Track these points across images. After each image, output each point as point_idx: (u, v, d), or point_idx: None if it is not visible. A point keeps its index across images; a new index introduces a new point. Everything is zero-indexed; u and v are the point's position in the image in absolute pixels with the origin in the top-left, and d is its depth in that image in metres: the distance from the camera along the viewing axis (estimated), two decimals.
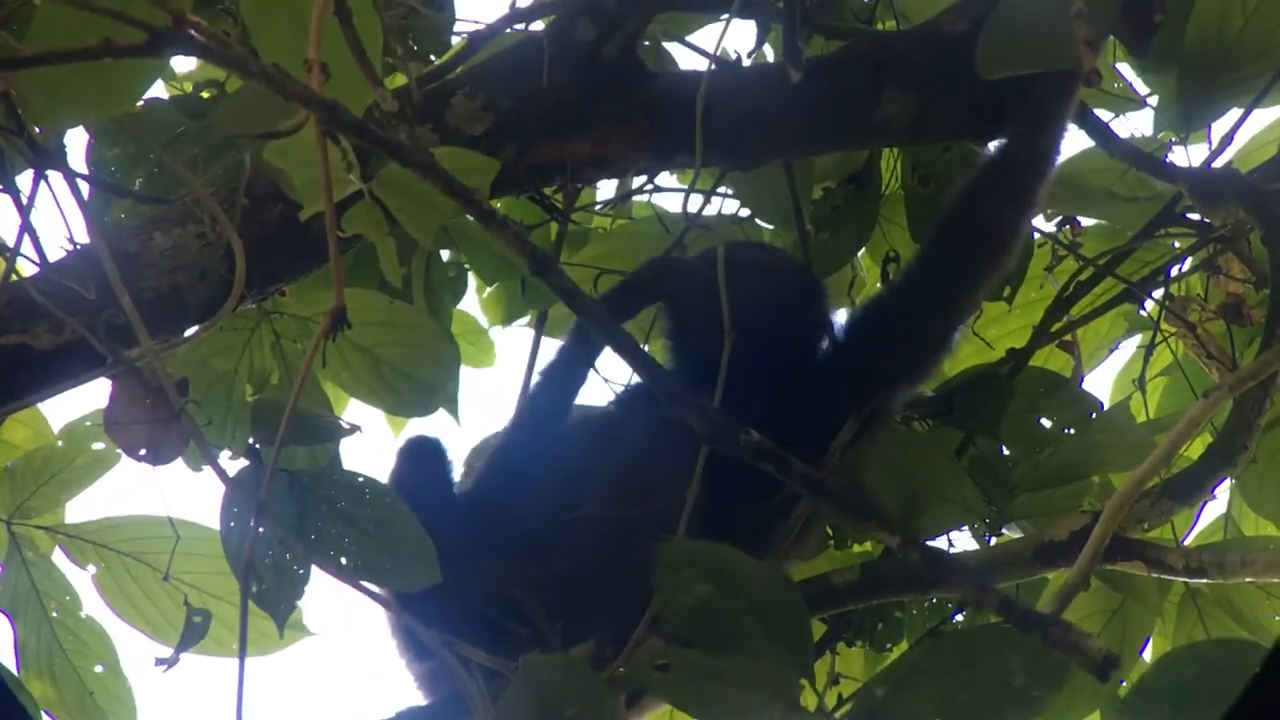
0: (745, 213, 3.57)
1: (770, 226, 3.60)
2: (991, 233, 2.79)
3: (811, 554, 3.15)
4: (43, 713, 3.07)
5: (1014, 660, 1.76)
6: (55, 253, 2.65)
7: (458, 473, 3.02)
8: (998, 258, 2.82)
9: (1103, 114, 3.12)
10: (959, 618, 3.13)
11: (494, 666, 2.13)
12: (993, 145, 2.90)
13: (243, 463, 2.46)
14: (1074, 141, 3.53)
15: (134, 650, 3.20)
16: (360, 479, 2.40)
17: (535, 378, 3.06)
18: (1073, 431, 3.05)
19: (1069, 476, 2.96)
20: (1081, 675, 1.80)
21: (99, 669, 3.08)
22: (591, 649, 2.56)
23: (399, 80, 2.97)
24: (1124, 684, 2.77)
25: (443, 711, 2.58)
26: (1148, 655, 3.11)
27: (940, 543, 3.09)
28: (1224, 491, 3.35)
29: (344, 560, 2.34)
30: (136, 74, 1.70)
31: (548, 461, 3.00)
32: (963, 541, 3.10)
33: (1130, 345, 3.66)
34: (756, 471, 2.00)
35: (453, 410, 3.46)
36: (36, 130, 2.39)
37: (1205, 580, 2.67)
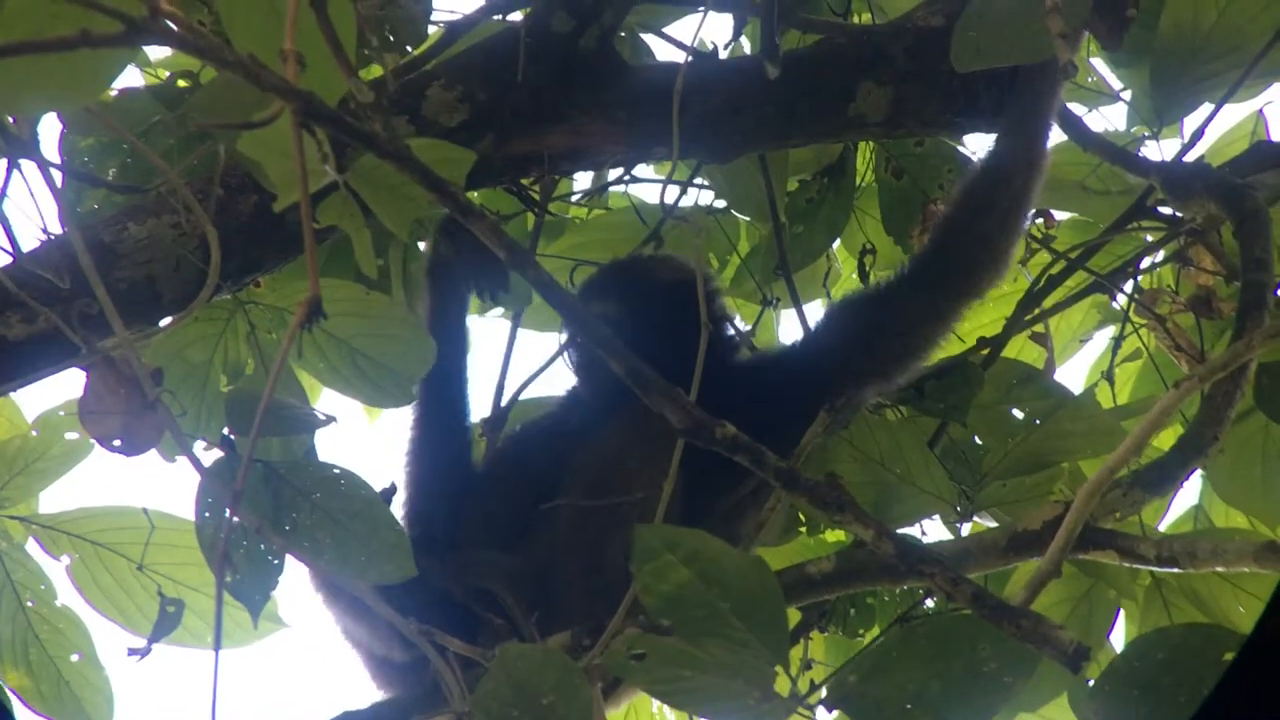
0: (721, 204, 3.59)
1: (746, 218, 3.61)
2: (997, 247, 2.82)
3: (776, 540, 3.17)
4: (22, 702, 3.05)
5: (985, 648, 1.77)
6: (29, 242, 2.64)
7: None
8: (999, 268, 2.85)
9: (1076, 108, 3.15)
10: (930, 603, 3.16)
11: (471, 655, 2.14)
12: (983, 153, 2.91)
13: (217, 453, 2.45)
14: None
15: (111, 641, 3.18)
16: (335, 470, 2.39)
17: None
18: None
19: (1038, 464, 2.99)
20: (1046, 661, 1.82)
21: (75, 658, 3.06)
22: (568, 639, 2.57)
23: (376, 71, 2.97)
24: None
25: (419, 703, 2.58)
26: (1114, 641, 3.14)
27: (913, 531, 3.12)
28: (1195, 483, 3.38)
29: (319, 552, 2.34)
30: (107, 63, 1.69)
31: (524, 454, 3.01)
32: (935, 530, 3.14)
33: (1103, 338, 3.70)
34: (725, 462, 2.01)
35: None
36: (9, 119, 2.37)
37: (1176, 570, 2.68)
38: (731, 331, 3.05)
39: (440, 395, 2.91)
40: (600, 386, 2.91)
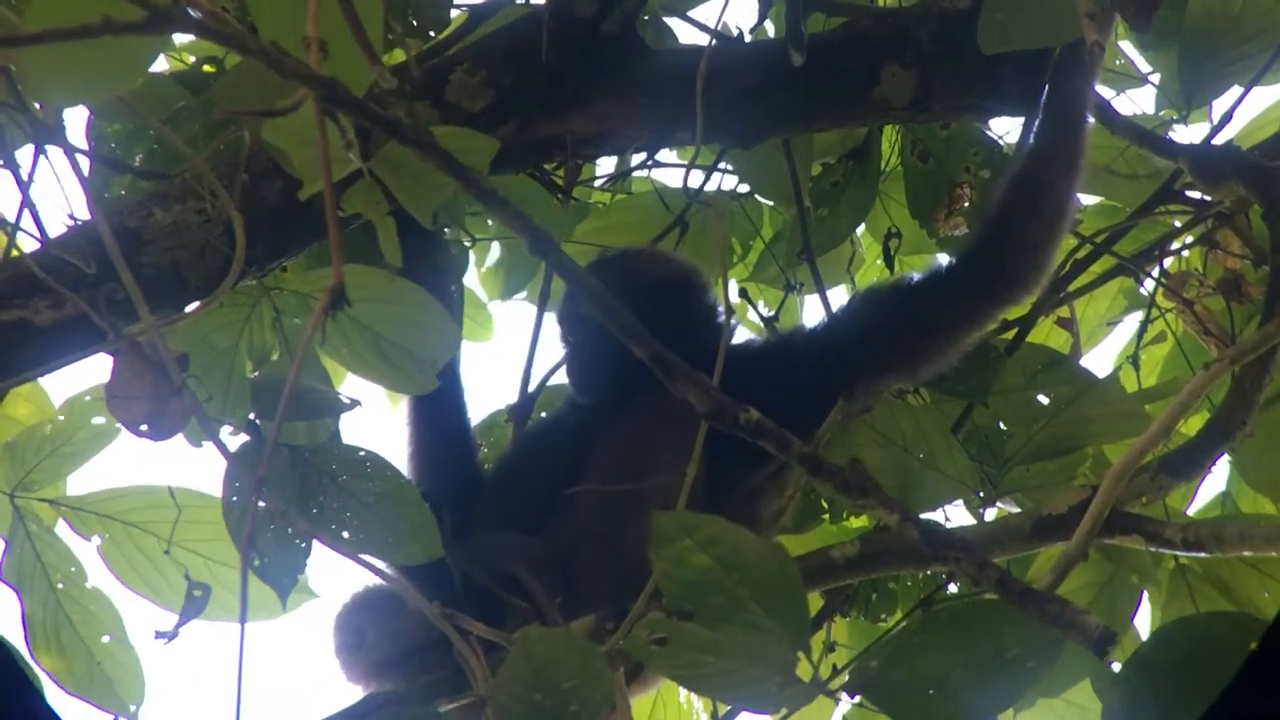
0: (744, 188, 3.58)
1: (770, 203, 3.60)
2: (1044, 253, 2.80)
3: (798, 527, 3.18)
4: (54, 683, 3.08)
5: (1008, 633, 1.77)
6: (56, 228, 2.66)
7: None
8: (1044, 273, 2.83)
9: (1104, 91, 3.12)
10: (952, 588, 3.16)
11: (496, 639, 2.15)
12: (1022, 151, 2.88)
13: (243, 438, 2.47)
14: None
15: (140, 621, 3.21)
16: (361, 453, 2.41)
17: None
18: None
19: (1062, 448, 2.98)
20: (1069, 647, 1.81)
21: (106, 639, 3.08)
22: (592, 623, 2.58)
23: (399, 57, 2.97)
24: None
25: (443, 686, 2.59)
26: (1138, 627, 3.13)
27: (936, 516, 3.12)
28: (1222, 469, 3.36)
29: (345, 534, 2.36)
30: (138, 53, 1.70)
31: (546, 438, 3.03)
32: (959, 515, 3.13)
33: (1131, 323, 3.68)
34: (744, 446, 2.01)
35: None
36: (36, 106, 2.39)
37: (1203, 554, 2.67)
38: (722, 321, 3.01)
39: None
40: (594, 383, 2.92)
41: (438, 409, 2.99)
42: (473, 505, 2.90)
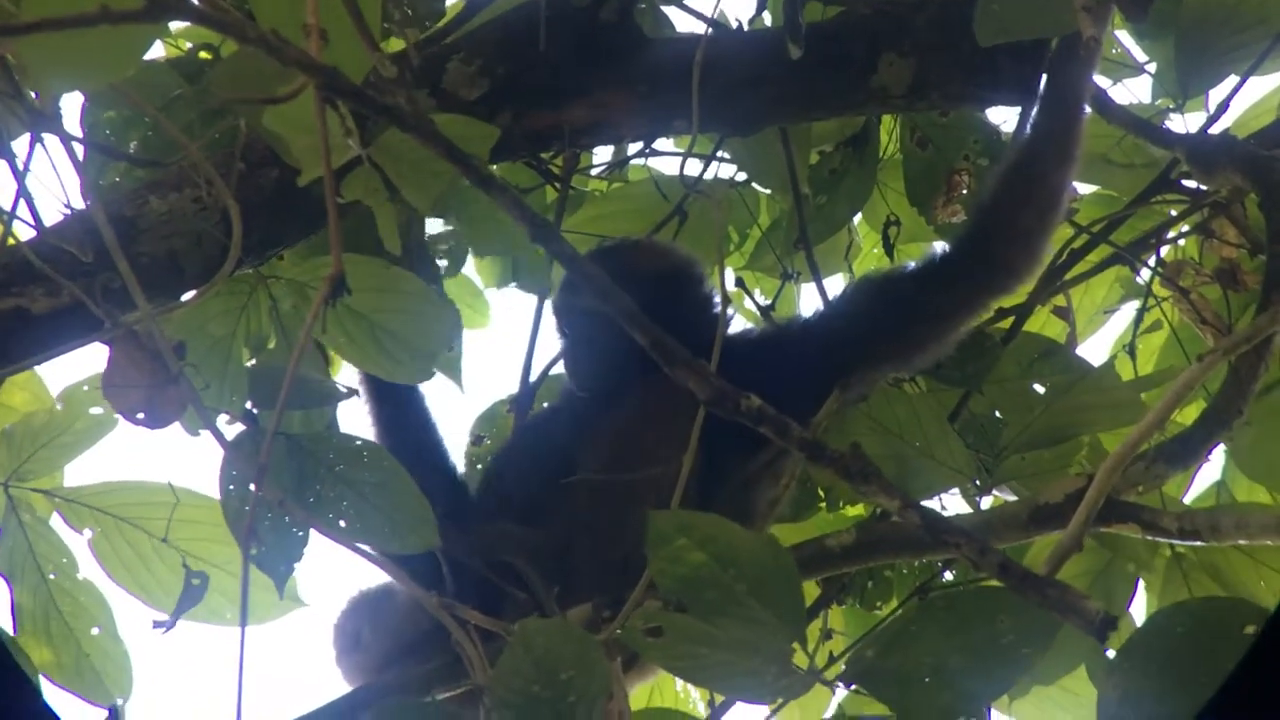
0: (742, 177, 3.57)
1: (767, 191, 3.60)
2: (1036, 242, 2.79)
3: (793, 516, 3.19)
4: (40, 675, 3.07)
5: (1004, 620, 1.77)
6: (51, 216, 2.65)
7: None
8: (1037, 263, 2.83)
9: (1100, 80, 3.12)
10: (948, 575, 3.17)
11: (494, 629, 2.15)
12: (1018, 139, 2.88)
13: (240, 426, 2.47)
14: None
15: (131, 616, 3.20)
16: (359, 442, 2.41)
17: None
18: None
19: (1057, 437, 2.98)
20: (1064, 633, 1.82)
21: (95, 632, 3.06)
22: (588, 612, 2.58)
23: (395, 45, 2.96)
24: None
25: (440, 675, 2.59)
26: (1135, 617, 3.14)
27: (932, 504, 3.12)
28: (1218, 459, 3.37)
29: (342, 523, 2.36)
30: (135, 40, 1.69)
31: (543, 429, 3.03)
32: (954, 504, 3.14)
33: (1127, 312, 3.68)
34: (738, 435, 2.01)
35: (455, 376, 3.46)
36: (32, 94, 2.38)
37: (1198, 543, 2.68)
38: (716, 312, 3.02)
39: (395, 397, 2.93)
40: (591, 374, 2.92)
41: (402, 421, 2.99)
42: (454, 508, 2.89)
